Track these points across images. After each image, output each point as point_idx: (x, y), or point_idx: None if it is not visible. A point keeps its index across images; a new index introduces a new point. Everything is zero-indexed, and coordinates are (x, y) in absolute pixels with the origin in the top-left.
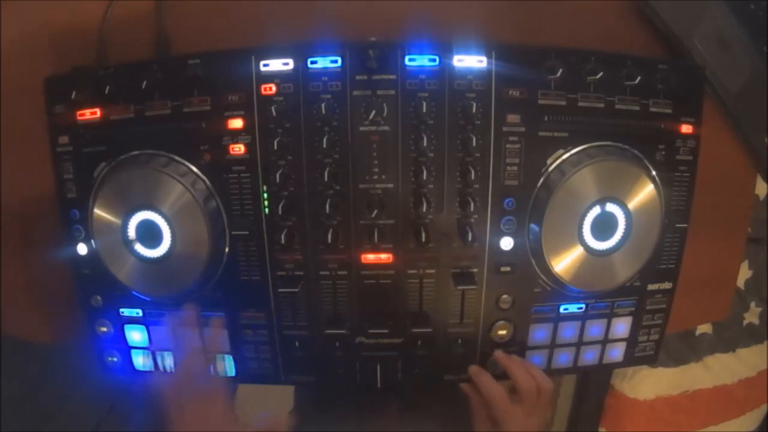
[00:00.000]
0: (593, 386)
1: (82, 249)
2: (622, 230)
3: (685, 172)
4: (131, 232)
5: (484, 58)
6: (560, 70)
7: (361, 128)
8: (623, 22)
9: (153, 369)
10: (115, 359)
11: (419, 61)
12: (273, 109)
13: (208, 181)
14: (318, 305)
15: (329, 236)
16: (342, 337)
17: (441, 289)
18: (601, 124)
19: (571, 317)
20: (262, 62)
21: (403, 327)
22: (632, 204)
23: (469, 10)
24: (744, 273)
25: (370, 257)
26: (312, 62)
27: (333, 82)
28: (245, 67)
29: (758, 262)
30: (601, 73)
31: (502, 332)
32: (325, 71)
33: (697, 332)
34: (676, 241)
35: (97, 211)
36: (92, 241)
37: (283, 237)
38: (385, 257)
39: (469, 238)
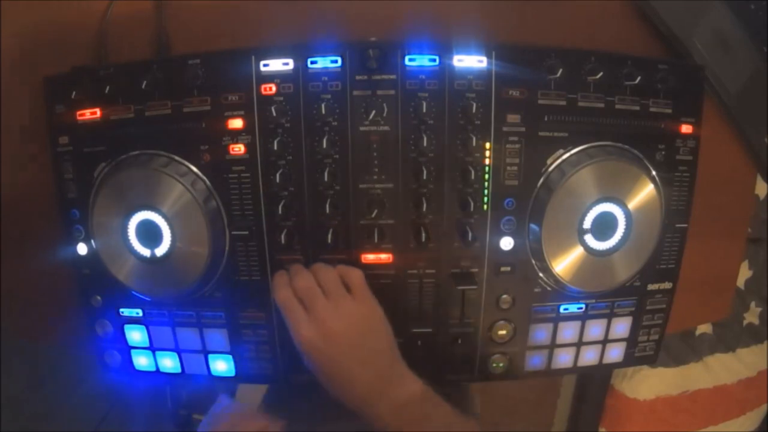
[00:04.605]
0: (593, 386)
1: (82, 249)
2: (622, 230)
3: (685, 172)
4: (131, 232)
5: (484, 58)
6: (560, 70)
7: (361, 128)
8: (623, 22)
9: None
10: (115, 359)
11: (419, 61)
12: (273, 109)
13: (208, 181)
14: None
15: (329, 236)
16: None
17: (441, 289)
18: (601, 124)
19: (571, 317)
20: (262, 62)
21: (403, 327)
22: (632, 204)
23: (469, 10)
24: (744, 273)
25: (370, 257)
26: (312, 62)
27: (333, 82)
28: (245, 67)
29: (758, 262)
30: (601, 73)
31: (502, 332)
32: (325, 71)
33: (697, 332)
34: (676, 241)
35: (97, 211)
36: (92, 241)
37: (283, 237)
38: (385, 257)
39: (469, 238)
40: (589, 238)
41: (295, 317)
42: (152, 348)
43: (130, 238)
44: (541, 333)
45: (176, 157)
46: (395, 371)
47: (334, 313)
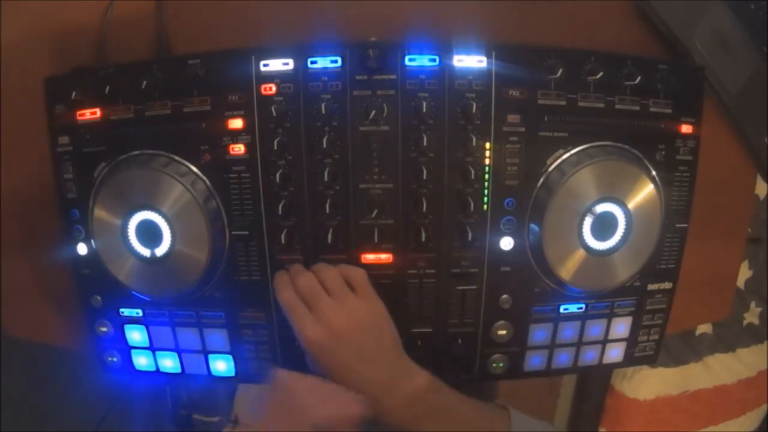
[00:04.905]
0: (593, 386)
1: (82, 249)
2: (622, 230)
3: (685, 172)
4: (131, 232)
5: (484, 58)
6: (560, 70)
7: (361, 128)
8: (623, 22)
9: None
10: (115, 359)
11: (419, 61)
12: (273, 109)
13: (208, 181)
14: None
15: (329, 236)
16: None
17: (441, 289)
18: (601, 124)
19: (571, 317)
20: (262, 62)
21: (403, 327)
22: (632, 204)
23: (469, 10)
24: (744, 273)
25: (370, 257)
26: (312, 62)
27: (333, 82)
28: (245, 67)
29: (758, 262)
30: (601, 73)
31: (502, 332)
32: (325, 71)
33: (697, 332)
34: (676, 241)
35: (97, 211)
36: (92, 241)
37: (283, 237)
38: (385, 257)
39: (469, 238)
40: (589, 238)
41: (300, 318)
42: (152, 348)
43: (130, 238)
44: (541, 333)
45: (176, 157)
46: (401, 366)
47: (338, 311)
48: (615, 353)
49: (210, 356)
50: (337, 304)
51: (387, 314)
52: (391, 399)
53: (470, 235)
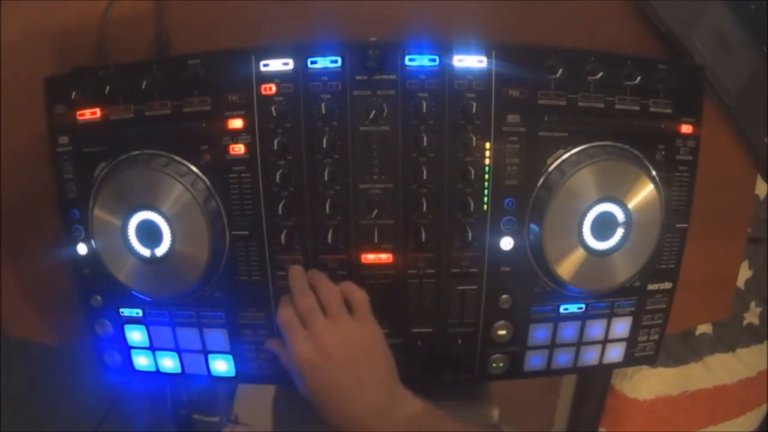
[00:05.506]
0: (593, 386)
1: (82, 249)
2: (622, 230)
3: (685, 172)
4: (131, 232)
5: (484, 58)
6: (560, 70)
7: (361, 128)
8: (623, 22)
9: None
10: (115, 359)
11: (419, 61)
12: (273, 109)
13: (208, 181)
14: None
15: (329, 236)
16: None
17: (441, 289)
18: (601, 124)
19: (571, 317)
20: (262, 62)
21: (403, 327)
22: (632, 204)
23: (469, 10)
24: (744, 273)
25: (370, 257)
26: (312, 62)
27: (333, 82)
28: (245, 67)
29: (758, 262)
30: (601, 73)
31: (502, 332)
32: (325, 71)
33: (697, 332)
34: (676, 241)
35: (97, 211)
36: (92, 241)
37: (283, 237)
38: (385, 257)
39: (469, 238)
40: (589, 238)
41: (294, 334)
42: (152, 348)
43: (130, 238)
44: (541, 333)
45: (176, 157)
46: (396, 393)
47: (331, 331)
48: (615, 353)
49: (210, 356)
50: (331, 324)
51: (384, 341)
52: (384, 425)
53: (470, 235)
